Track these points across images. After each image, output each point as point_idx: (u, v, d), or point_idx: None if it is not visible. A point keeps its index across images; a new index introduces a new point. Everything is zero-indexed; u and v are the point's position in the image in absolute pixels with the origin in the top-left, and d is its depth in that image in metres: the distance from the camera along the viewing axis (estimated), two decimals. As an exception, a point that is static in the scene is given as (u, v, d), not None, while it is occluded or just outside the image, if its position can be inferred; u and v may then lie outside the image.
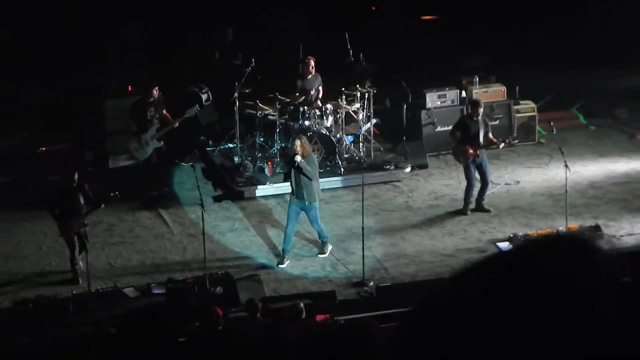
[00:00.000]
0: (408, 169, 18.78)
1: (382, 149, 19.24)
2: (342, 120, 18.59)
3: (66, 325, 13.64)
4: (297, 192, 15.45)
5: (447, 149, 18.33)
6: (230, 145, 19.22)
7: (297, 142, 15.50)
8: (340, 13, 22.08)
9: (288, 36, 21.33)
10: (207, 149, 19.54)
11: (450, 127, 17.81)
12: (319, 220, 15.72)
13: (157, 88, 17.99)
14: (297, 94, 18.62)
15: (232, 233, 16.76)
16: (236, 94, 18.43)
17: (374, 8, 23.35)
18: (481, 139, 16.91)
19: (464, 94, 19.71)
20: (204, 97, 19.49)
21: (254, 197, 17.90)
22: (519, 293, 2.56)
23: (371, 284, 14.95)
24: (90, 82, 20.31)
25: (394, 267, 15.57)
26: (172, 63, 21.10)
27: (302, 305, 12.61)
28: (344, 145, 18.51)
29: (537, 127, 19.98)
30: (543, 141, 19.88)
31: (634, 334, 2.61)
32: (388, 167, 18.62)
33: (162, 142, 17.99)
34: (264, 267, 15.65)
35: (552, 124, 17.38)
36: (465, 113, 18.42)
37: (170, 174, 18.79)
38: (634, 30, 21.39)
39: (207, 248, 15.09)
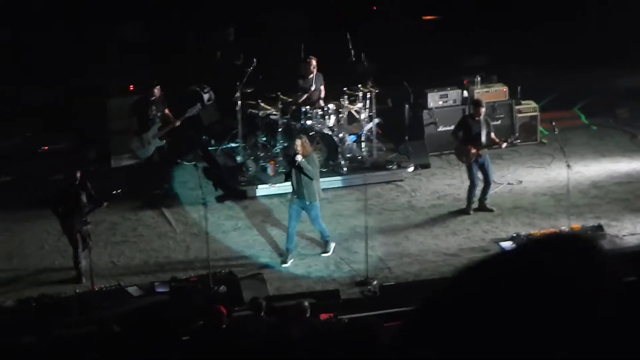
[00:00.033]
0: (410, 169, 18.78)
1: (384, 148, 19.23)
2: (344, 120, 18.59)
3: (69, 324, 13.59)
4: (297, 192, 15.43)
5: (450, 148, 18.31)
6: (233, 145, 19.22)
7: (298, 142, 15.48)
8: (340, 13, 22.08)
9: (288, 36, 21.34)
10: (210, 148, 19.53)
11: (452, 127, 17.82)
12: (320, 220, 15.70)
13: (158, 87, 17.99)
14: (299, 94, 18.62)
15: (235, 232, 16.74)
16: (238, 94, 18.43)
17: (374, 8, 23.35)
18: (483, 139, 16.90)
19: (465, 93, 19.72)
20: (206, 96, 19.50)
21: (256, 197, 17.89)
22: (522, 292, 2.55)
23: (375, 283, 14.93)
24: (91, 82, 20.31)
25: (397, 266, 15.55)
26: (173, 63, 21.09)
27: (306, 303, 12.59)
28: (346, 145, 18.50)
29: (539, 127, 19.99)
30: (545, 141, 19.88)
31: (636, 334, 2.60)
32: (390, 166, 18.62)
33: (164, 141, 17.99)
34: (267, 266, 15.63)
35: (553, 123, 17.40)
36: (467, 113, 18.44)
37: (173, 172, 18.77)
38: (634, 30, 21.41)
39: (210, 247, 15.09)
